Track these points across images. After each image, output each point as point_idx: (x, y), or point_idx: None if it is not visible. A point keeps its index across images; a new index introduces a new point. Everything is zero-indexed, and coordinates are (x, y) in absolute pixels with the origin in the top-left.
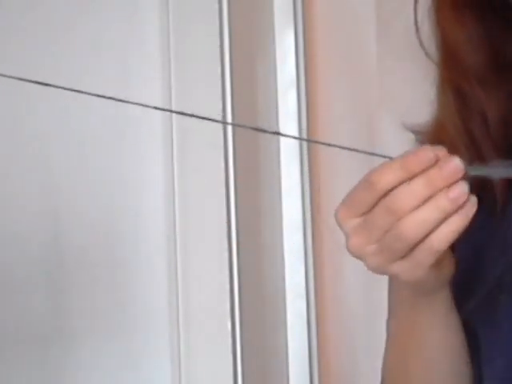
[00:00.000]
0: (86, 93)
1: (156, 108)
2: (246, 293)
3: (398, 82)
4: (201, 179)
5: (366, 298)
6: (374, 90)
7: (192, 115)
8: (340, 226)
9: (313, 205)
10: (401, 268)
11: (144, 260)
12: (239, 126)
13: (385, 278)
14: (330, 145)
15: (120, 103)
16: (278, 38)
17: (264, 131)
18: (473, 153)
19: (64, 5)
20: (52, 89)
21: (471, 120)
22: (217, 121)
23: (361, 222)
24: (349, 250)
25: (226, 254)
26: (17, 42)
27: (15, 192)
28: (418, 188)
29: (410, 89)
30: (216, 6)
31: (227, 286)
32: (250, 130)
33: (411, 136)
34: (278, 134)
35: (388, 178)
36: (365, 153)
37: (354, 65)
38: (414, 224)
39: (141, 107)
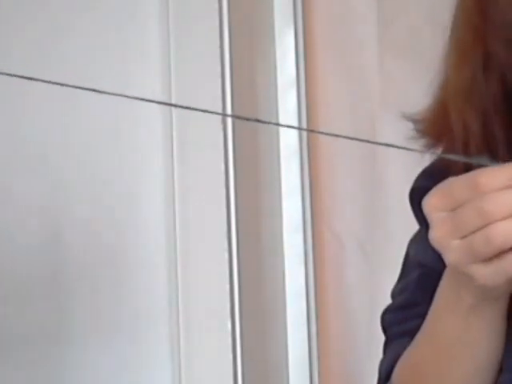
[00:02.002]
0: (78, 87)
1: (155, 102)
2: (246, 293)
3: (398, 82)
4: (201, 179)
5: (367, 297)
6: (374, 89)
7: (188, 107)
8: (428, 213)
9: (313, 205)
10: (481, 272)
11: (144, 260)
12: (222, 115)
13: (385, 278)
14: (310, 131)
15: (120, 104)
16: (278, 38)
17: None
18: (477, 129)
19: (65, 4)
20: (53, 90)
21: (489, 84)
22: (206, 111)
23: (450, 215)
24: (431, 240)
25: (226, 254)
26: (18, 41)
27: (15, 193)
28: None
29: (410, 88)
30: (216, 5)
31: (227, 286)
32: (251, 130)
33: (411, 135)
34: (258, 121)
35: (496, 184)
36: (363, 141)
37: (353, 65)
38: (505, 232)
39: (140, 107)
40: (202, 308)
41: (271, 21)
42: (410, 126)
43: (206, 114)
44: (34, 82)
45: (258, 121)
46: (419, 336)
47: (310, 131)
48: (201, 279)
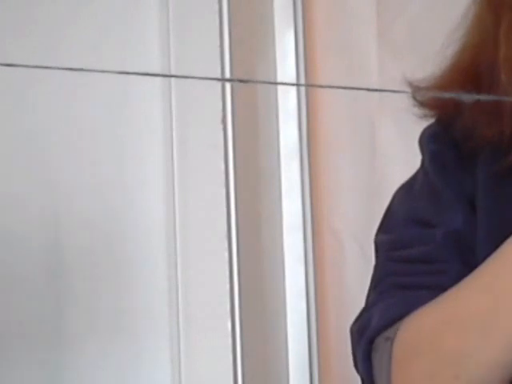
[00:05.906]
0: (64, 68)
1: (155, 75)
2: (246, 293)
3: (398, 82)
4: (201, 179)
5: None
6: None
7: (188, 77)
8: None
9: (313, 205)
10: None
11: (144, 260)
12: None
13: None
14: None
15: (120, 104)
16: (278, 38)
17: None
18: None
19: None
20: (51, 87)
21: None
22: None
23: None
24: None
25: (226, 254)
26: (18, 33)
27: (15, 193)
28: None
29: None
30: (216, 5)
31: (227, 286)
32: (251, 130)
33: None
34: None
35: None
36: (354, 89)
37: (353, 65)
38: None
39: (141, 107)
40: (202, 308)
41: (271, 21)
42: (410, 127)
43: (206, 114)
44: (30, 79)
45: (254, 81)
46: (468, 288)
47: (308, 86)
48: (201, 279)
